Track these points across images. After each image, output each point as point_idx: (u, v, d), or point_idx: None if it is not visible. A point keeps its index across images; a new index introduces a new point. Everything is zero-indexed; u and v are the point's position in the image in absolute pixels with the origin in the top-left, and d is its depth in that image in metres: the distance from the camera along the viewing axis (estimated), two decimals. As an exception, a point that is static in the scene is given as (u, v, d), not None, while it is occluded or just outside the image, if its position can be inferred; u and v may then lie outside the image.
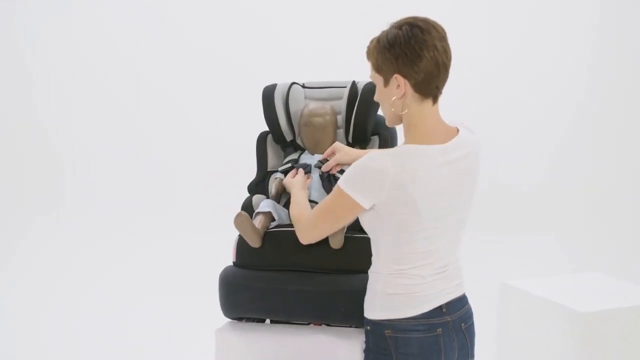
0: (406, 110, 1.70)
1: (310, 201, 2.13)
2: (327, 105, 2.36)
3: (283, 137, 2.38)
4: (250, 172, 4.07)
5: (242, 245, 2.09)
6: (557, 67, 4.46)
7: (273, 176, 2.38)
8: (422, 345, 1.73)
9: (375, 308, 1.77)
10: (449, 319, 1.78)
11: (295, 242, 2.00)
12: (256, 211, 2.11)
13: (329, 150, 2.18)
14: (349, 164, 2.12)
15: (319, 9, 4.34)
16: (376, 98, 1.80)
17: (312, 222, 1.84)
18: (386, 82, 1.70)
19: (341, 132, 2.39)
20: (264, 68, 4.26)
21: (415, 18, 1.67)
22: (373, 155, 1.67)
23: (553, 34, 4.50)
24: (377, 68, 1.71)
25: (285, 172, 2.31)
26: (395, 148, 1.69)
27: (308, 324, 2.19)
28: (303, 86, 2.47)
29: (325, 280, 2.01)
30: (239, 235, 2.12)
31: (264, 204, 2.14)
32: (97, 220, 4.50)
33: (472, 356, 1.88)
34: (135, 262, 4.37)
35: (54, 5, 4.44)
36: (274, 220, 2.12)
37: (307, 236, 1.88)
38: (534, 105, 4.44)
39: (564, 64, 4.50)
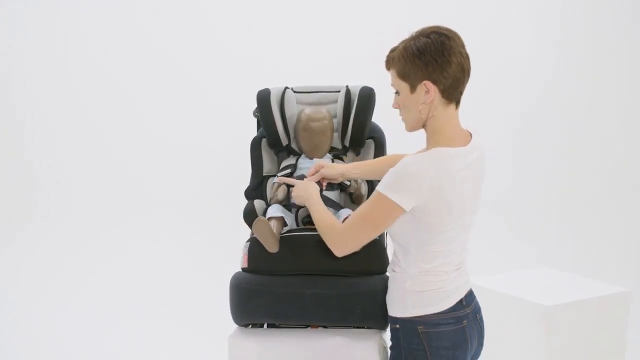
0: (433, 115, 1.77)
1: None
2: (323, 109, 2.37)
3: (279, 142, 2.38)
4: (225, 178, 4.01)
5: (255, 251, 2.06)
6: (513, 70, 4.50)
7: (271, 181, 2.37)
8: (452, 337, 1.81)
9: (406, 306, 1.83)
10: (469, 311, 1.88)
11: (311, 246, 2.03)
12: (268, 216, 2.09)
13: (312, 170, 2.18)
14: (334, 178, 2.18)
15: (292, 16, 4.31)
16: (397, 104, 1.84)
17: (350, 231, 1.83)
18: (413, 89, 1.76)
19: (335, 135, 2.42)
20: (237, 75, 4.18)
21: (439, 27, 1.76)
22: (411, 160, 1.72)
23: (516, 32, 4.55)
24: (403, 75, 1.76)
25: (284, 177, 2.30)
26: (429, 152, 1.75)
27: (305, 327, 2.18)
28: (292, 90, 2.48)
29: (341, 283, 2.02)
30: (250, 241, 2.09)
31: (274, 209, 2.13)
32: (75, 229, 4.25)
33: (483, 345, 1.99)
34: (117, 270, 4.20)
35: (33, 10, 4.17)
36: (285, 225, 2.11)
37: (344, 247, 1.86)
38: (495, 101, 4.46)
39: (522, 65, 4.55)
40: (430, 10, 4.24)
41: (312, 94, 2.49)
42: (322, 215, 1.94)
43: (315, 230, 2.08)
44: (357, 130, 2.35)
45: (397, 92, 1.82)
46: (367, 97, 2.35)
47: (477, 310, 1.94)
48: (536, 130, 4.49)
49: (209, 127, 4.19)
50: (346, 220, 1.86)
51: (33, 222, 4.26)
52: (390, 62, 1.80)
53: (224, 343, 3.36)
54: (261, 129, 2.55)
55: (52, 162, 4.25)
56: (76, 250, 4.22)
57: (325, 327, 2.17)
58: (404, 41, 1.78)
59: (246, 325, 2.17)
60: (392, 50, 1.80)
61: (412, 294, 1.82)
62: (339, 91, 2.48)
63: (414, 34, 1.76)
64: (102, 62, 4.21)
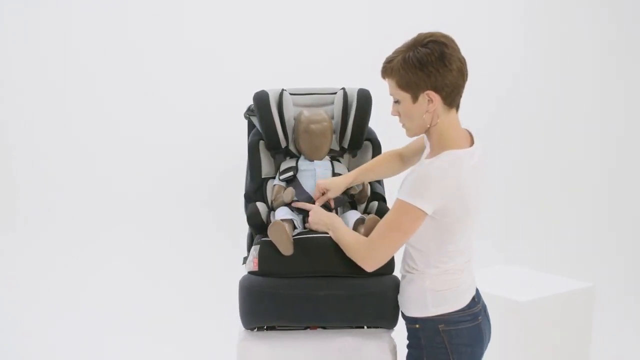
0: (437, 122, 1.80)
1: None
2: (322, 111, 2.39)
3: (278, 144, 2.37)
4: (222, 178, 3.91)
5: (266, 254, 2.05)
6: (481, 64, 4.52)
7: (271, 183, 2.36)
8: (470, 334, 1.88)
9: (427, 305, 1.87)
10: (480, 308, 1.95)
11: (323, 247, 2.04)
12: (280, 219, 2.08)
13: (317, 193, 2.22)
14: (327, 186, 2.21)
15: (263, 15, 4.24)
16: (396, 112, 1.86)
17: (378, 244, 1.85)
18: (415, 99, 1.78)
19: (333, 137, 2.43)
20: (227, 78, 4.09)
21: (433, 34, 1.77)
22: (428, 165, 1.77)
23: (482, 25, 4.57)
24: (404, 86, 1.77)
25: (286, 180, 2.31)
26: (442, 155, 1.78)
27: (305, 328, 2.19)
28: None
29: (354, 284, 2.03)
30: (260, 244, 2.07)
31: (283, 212, 2.13)
32: (70, 231, 4.00)
33: (490, 339, 2.06)
34: (110, 273, 4.00)
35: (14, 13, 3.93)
36: (295, 227, 2.11)
37: (373, 260, 1.88)
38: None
39: (489, 60, 4.60)
40: (411, 10, 4.28)
41: (306, 95, 2.50)
42: (344, 236, 1.96)
43: (325, 232, 2.10)
44: (357, 132, 2.39)
45: (396, 101, 1.84)
46: (366, 99, 2.40)
47: (485, 307, 2.02)
48: (498, 128, 4.59)
49: (201, 128, 4.08)
50: (372, 234, 1.88)
51: (21, 227, 4.04)
52: (387, 72, 1.81)
53: (220, 346, 3.31)
54: (254, 130, 2.54)
55: (42, 165, 4.03)
56: (70, 252, 4.03)
57: (324, 328, 2.19)
58: (400, 51, 1.78)
59: (252, 329, 2.15)
60: (389, 61, 1.80)
61: (431, 293, 1.87)
62: (333, 93, 2.50)
63: (409, 43, 1.77)
64: (86, 63, 4.00)
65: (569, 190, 4.86)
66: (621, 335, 4.12)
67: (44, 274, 3.95)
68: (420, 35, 1.77)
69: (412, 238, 1.86)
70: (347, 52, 4.15)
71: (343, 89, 2.45)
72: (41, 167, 3.99)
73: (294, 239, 2.04)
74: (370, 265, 1.90)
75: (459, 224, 1.81)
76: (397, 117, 1.90)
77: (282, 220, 2.06)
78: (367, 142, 2.45)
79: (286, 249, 2.00)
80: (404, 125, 1.88)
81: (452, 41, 1.77)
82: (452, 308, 1.86)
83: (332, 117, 2.45)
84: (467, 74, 1.79)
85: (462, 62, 1.76)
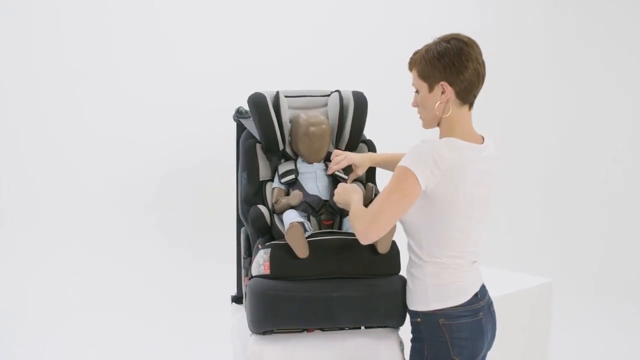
0: (448, 114, 1.92)
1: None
2: (318, 113, 2.39)
3: (276, 146, 2.35)
4: (212, 180, 3.80)
5: (278, 257, 2.03)
6: None
7: (270, 186, 2.34)
8: (471, 329, 1.95)
9: (429, 300, 1.95)
10: (483, 304, 2.03)
11: (334, 249, 2.06)
12: (292, 222, 2.06)
13: (335, 166, 2.30)
14: (356, 162, 2.30)
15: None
16: (415, 103, 1.99)
17: (377, 209, 1.84)
18: (431, 89, 1.91)
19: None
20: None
21: (459, 35, 1.91)
22: (427, 142, 1.87)
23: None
24: (424, 76, 1.91)
25: (287, 183, 2.29)
26: (444, 139, 1.90)
27: (302, 330, 2.19)
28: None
29: (366, 285, 2.06)
30: (272, 247, 2.06)
31: (294, 215, 2.12)
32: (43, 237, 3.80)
33: (495, 336, 2.14)
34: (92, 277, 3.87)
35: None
36: (305, 230, 2.11)
37: (370, 227, 1.84)
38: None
39: None
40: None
41: (300, 98, 2.50)
42: (353, 210, 1.97)
43: (336, 234, 2.11)
44: (355, 134, 2.41)
45: (417, 91, 1.97)
46: (363, 102, 2.43)
47: (490, 303, 2.08)
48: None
49: (188, 127, 3.97)
50: (374, 200, 1.90)
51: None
52: (412, 64, 1.95)
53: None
54: (245, 133, 2.52)
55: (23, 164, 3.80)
56: (54, 251, 3.83)
57: (322, 330, 2.19)
58: (426, 45, 1.92)
59: (259, 333, 2.13)
60: (415, 53, 1.95)
61: (433, 287, 1.94)
62: (327, 95, 2.51)
63: (436, 40, 1.92)
64: (71, 62, 3.83)
65: (523, 188, 5.04)
66: (578, 328, 4.37)
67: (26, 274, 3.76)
68: (447, 34, 1.91)
69: (409, 223, 1.93)
70: (305, 52, 4.17)
71: (338, 91, 2.47)
72: (22, 166, 3.80)
73: (308, 242, 2.04)
74: (365, 232, 1.86)
75: (450, 209, 1.87)
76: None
77: (296, 223, 2.06)
78: (362, 144, 2.48)
79: (303, 251, 2.00)
80: (420, 117, 2.00)
81: (475, 44, 1.90)
82: (453, 303, 1.93)
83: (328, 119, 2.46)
84: (483, 76, 1.91)
85: (479, 64, 1.88)
